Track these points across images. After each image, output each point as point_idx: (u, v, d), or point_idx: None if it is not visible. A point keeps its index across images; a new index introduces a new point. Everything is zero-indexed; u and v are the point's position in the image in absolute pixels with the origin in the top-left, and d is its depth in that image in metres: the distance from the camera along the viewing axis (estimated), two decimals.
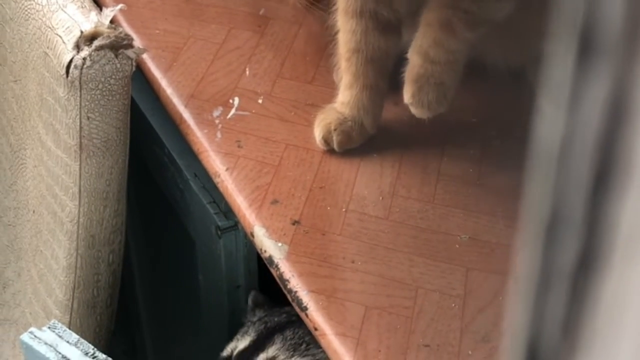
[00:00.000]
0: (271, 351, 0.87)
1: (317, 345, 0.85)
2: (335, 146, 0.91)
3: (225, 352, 0.92)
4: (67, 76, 0.89)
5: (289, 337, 0.88)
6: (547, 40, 0.20)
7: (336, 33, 0.91)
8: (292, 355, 0.86)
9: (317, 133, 0.92)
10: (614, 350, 0.20)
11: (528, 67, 0.97)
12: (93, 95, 0.90)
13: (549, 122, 0.20)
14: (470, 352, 0.74)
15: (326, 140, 0.91)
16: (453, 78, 0.88)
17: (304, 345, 0.87)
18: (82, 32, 0.90)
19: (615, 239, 0.19)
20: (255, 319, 0.95)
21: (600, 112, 0.19)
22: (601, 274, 0.20)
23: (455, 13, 0.83)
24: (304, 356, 0.86)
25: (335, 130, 0.90)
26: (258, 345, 0.88)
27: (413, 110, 0.88)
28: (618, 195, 0.19)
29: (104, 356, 0.85)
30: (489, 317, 0.77)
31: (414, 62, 0.86)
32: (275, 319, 0.92)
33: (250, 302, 0.98)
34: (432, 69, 0.85)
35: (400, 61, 0.92)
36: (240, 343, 0.91)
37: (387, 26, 0.87)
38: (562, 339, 0.21)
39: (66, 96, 0.91)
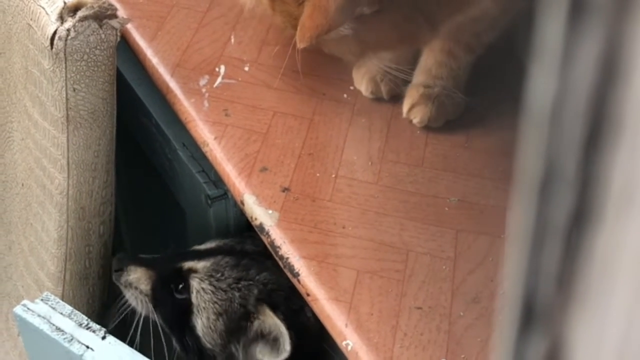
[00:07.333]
0: (200, 265, 0.91)
1: (231, 286, 0.89)
2: (384, 95, 0.96)
3: (192, 248, 0.96)
4: (52, 48, 0.89)
5: (219, 263, 0.91)
6: (538, 1, 0.21)
7: None
8: (207, 279, 0.90)
9: (364, 87, 0.96)
10: (606, 303, 0.21)
11: (514, 33, 0.97)
12: (78, 67, 0.90)
13: (542, 81, 0.20)
14: (461, 313, 0.75)
15: (373, 92, 0.96)
16: (455, 90, 0.92)
17: (219, 274, 0.90)
18: (65, 3, 0.89)
19: (608, 194, 0.20)
20: (238, 239, 0.97)
21: (592, 71, 0.19)
22: (594, 228, 0.20)
23: (456, 44, 0.90)
24: (210, 284, 0.90)
25: (382, 81, 0.95)
26: (203, 255, 0.93)
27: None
28: (610, 151, 0.19)
29: (98, 327, 0.85)
30: (479, 278, 0.78)
31: (417, 80, 0.93)
32: (245, 247, 0.94)
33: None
34: (434, 86, 0.92)
35: None
36: (203, 245, 0.95)
37: None
38: (556, 292, 0.21)
39: (51, 68, 0.90)
